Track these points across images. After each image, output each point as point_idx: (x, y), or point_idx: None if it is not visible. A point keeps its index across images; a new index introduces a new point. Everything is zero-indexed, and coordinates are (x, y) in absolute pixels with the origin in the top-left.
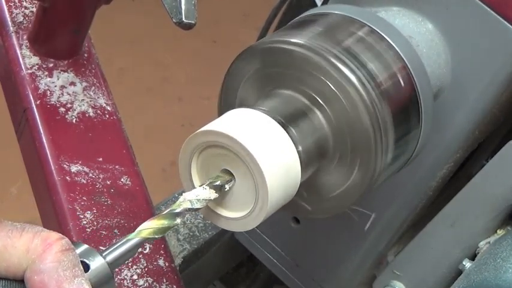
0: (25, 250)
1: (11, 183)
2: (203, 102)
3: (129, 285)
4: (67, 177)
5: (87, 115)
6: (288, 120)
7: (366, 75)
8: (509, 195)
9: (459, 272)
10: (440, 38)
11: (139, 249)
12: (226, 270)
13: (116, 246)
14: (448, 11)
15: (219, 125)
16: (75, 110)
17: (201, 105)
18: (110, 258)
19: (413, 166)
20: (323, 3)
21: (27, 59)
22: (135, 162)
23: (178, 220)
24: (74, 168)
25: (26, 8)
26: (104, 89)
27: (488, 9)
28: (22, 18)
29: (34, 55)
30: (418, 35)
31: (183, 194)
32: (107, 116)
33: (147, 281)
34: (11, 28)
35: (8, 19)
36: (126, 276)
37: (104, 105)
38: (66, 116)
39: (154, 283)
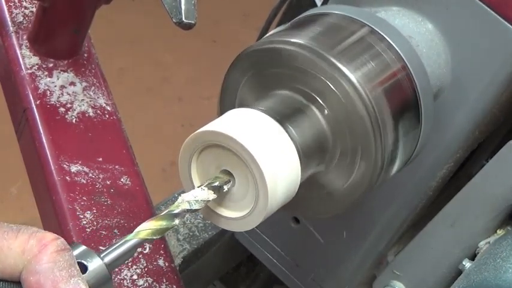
0: (21, 251)
1: (11, 183)
2: (203, 102)
3: (129, 285)
4: (67, 177)
5: (87, 115)
6: (288, 120)
7: (366, 75)
8: (509, 195)
9: (459, 272)
10: (440, 38)
11: (139, 249)
12: (226, 270)
13: (114, 247)
14: (448, 11)
15: (219, 125)
16: (75, 110)
17: (201, 105)
18: (107, 259)
19: (413, 166)
20: (323, 3)
21: (27, 59)
22: (135, 162)
23: (177, 221)
24: (73, 168)
25: (26, 8)
26: (103, 89)
27: (488, 9)
28: (22, 18)
29: (34, 55)
30: (418, 35)
31: (182, 195)
32: (107, 116)
33: (147, 281)
34: (11, 28)
35: (8, 19)
36: (126, 276)
37: (104, 105)
38: (66, 116)
39: (154, 283)
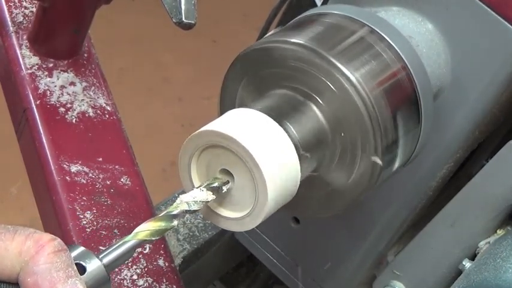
0: (18, 252)
1: (11, 183)
2: (203, 102)
3: (129, 285)
4: (67, 177)
5: (87, 115)
6: (288, 120)
7: (366, 75)
8: (509, 195)
9: (459, 272)
10: (440, 38)
11: (139, 249)
12: (226, 270)
13: (112, 248)
14: (448, 11)
15: (219, 125)
16: (75, 110)
17: (201, 105)
18: (106, 260)
19: (413, 166)
20: (323, 3)
21: (27, 59)
22: (135, 162)
23: (175, 222)
24: (73, 168)
25: (25, 8)
26: (103, 89)
27: (488, 9)
28: (22, 18)
29: (34, 55)
30: (418, 35)
31: (180, 196)
32: (107, 116)
33: (147, 281)
34: (11, 28)
35: (8, 19)
36: (126, 276)
37: (104, 105)
38: (66, 116)
39: (154, 283)
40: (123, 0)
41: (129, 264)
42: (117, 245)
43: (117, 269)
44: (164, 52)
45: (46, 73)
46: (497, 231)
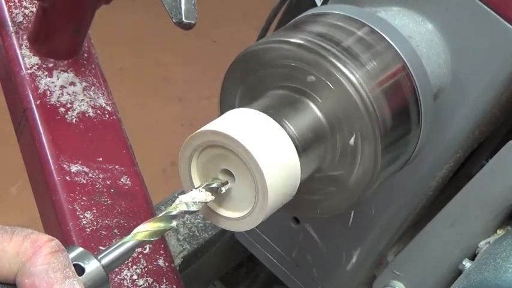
0: (15, 253)
1: (11, 183)
2: (203, 102)
3: (129, 285)
4: (67, 177)
5: (87, 115)
6: (288, 121)
7: (366, 75)
8: (509, 195)
9: (459, 272)
10: (440, 38)
11: (139, 249)
12: (226, 270)
13: (111, 249)
14: (448, 11)
15: (219, 125)
16: (75, 110)
17: (201, 105)
18: (105, 261)
19: (413, 166)
20: (323, 3)
21: (27, 59)
22: (135, 162)
23: (174, 223)
24: (73, 168)
25: (26, 8)
26: (103, 89)
27: (488, 9)
28: (22, 18)
29: (34, 55)
30: (418, 35)
31: (179, 196)
32: (107, 116)
33: (147, 281)
34: (11, 28)
35: (8, 19)
36: (126, 276)
37: (104, 105)
38: (66, 116)
39: (154, 283)
40: (123, 0)
41: (129, 264)
42: (116, 246)
43: (117, 269)
44: (164, 52)
45: (46, 73)
46: (497, 231)
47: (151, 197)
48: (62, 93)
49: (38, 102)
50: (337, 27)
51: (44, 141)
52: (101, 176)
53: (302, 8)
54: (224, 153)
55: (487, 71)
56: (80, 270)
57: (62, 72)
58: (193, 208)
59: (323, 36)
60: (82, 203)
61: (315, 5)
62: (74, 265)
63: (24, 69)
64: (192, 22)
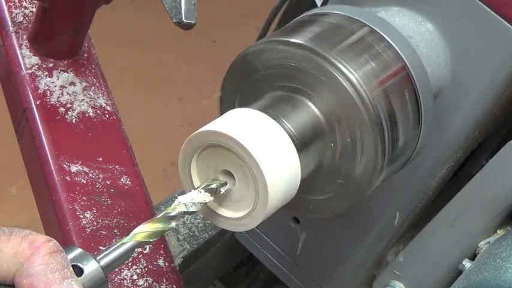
0: (13, 254)
1: (11, 183)
2: (203, 102)
3: (129, 285)
4: (67, 177)
5: (87, 115)
6: (288, 120)
7: (366, 75)
8: (509, 195)
9: (459, 272)
10: (440, 38)
11: (139, 249)
12: (226, 270)
13: (110, 250)
14: (448, 11)
15: (219, 125)
16: (75, 110)
17: (201, 105)
18: (104, 262)
19: (413, 166)
20: (323, 4)
21: (27, 59)
22: (135, 162)
23: (173, 223)
24: (73, 168)
25: (26, 8)
26: (103, 89)
27: (488, 9)
28: (22, 18)
29: (34, 55)
30: (418, 35)
31: (178, 197)
32: (107, 116)
33: (147, 281)
34: (11, 28)
35: (8, 19)
36: (126, 276)
37: (104, 105)
38: (66, 116)
39: (154, 283)
40: (123, 0)
41: (129, 264)
42: (115, 247)
43: (117, 269)
44: (164, 52)
45: (46, 73)
46: (497, 231)
47: (151, 197)
48: (62, 93)
49: (38, 102)
50: (337, 27)
51: (44, 141)
52: (101, 176)
53: (302, 8)
54: (224, 153)
55: (487, 71)
56: (78, 271)
57: (62, 72)
58: (192, 209)
59: (323, 37)
60: (82, 203)
61: (315, 5)
62: (72, 266)
63: (24, 69)
64: (192, 22)
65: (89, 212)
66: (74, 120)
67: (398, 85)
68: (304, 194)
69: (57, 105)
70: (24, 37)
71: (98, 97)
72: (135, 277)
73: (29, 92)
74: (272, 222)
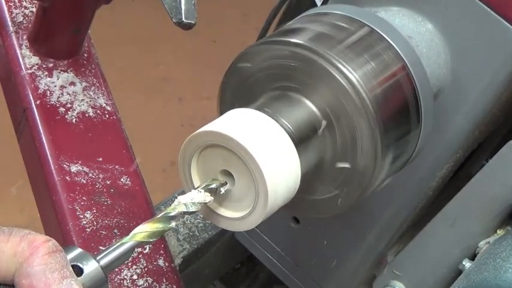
0: (12, 254)
1: (11, 183)
2: (203, 102)
3: (129, 285)
4: (67, 177)
5: (87, 115)
6: (287, 120)
7: (366, 75)
8: (509, 195)
9: (459, 272)
10: (440, 38)
11: (139, 249)
12: (226, 270)
13: (110, 250)
14: (448, 11)
15: (218, 125)
16: (75, 110)
17: (201, 105)
18: (103, 262)
19: (413, 166)
20: (323, 3)
21: (27, 59)
22: (135, 162)
23: (173, 223)
24: (73, 168)
25: (26, 8)
26: (103, 89)
27: (488, 9)
28: (22, 18)
29: (34, 55)
30: (418, 35)
31: (178, 197)
32: (107, 116)
33: (147, 281)
34: (11, 28)
35: (8, 19)
36: (126, 276)
37: (104, 105)
38: (66, 116)
39: (154, 283)
40: (123, 0)
41: (129, 264)
42: (114, 247)
43: (117, 269)
44: (164, 52)
45: (46, 73)
46: (497, 231)
47: (151, 197)
48: (62, 93)
49: (38, 102)
50: (337, 27)
51: (44, 141)
52: (101, 176)
53: (302, 8)
54: (224, 153)
55: (487, 71)
56: (78, 271)
57: (62, 72)
58: (192, 209)
59: (323, 36)
60: (82, 203)
61: (315, 5)
62: (72, 266)
63: (24, 69)
64: (192, 22)
65: (89, 212)
66: (74, 120)
67: (398, 85)
68: (304, 194)
69: (57, 105)
70: (24, 37)
71: (98, 97)
72: (135, 277)
73: (29, 92)
74: (272, 222)
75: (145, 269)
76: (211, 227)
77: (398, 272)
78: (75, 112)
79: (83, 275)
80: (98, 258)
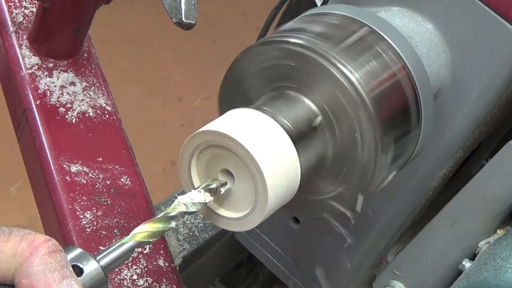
0: (12, 254)
1: (11, 183)
2: (203, 102)
3: (129, 285)
4: (67, 177)
5: (87, 115)
6: (287, 120)
7: (366, 75)
8: (509, 195)
9: (459, 272)
10: (440, 38)
11: (139, 249)
12: (226, 270)
13: (110, 250)
14: (448, 11)
15: (219, 125)
16: (75, 110)
17: (201, 105)
18: (104, 262)
19: (413, 166)
20: (323, 3)
21: (27, 59)
22: (135, 162)
23: (173, 223)
24: (73, 168)
25: (26, 8)
26: (103, 89)
27: (488, 9)
28: (22, 18)
29: (34, 55)
30: (418, 35)
31: (178, 197)
32: (107, 116)
33: (147, 281)
34: (11, 28)
35: (8, 19)
36: (126, 276)
37: (104, 105)
38: (66, 116)
39: (154, 283)
40: (123, 0)
41: (129, 264)
42: (114, 247)
43: (117, 269)
44: (164, 52)
45: (46, 73)
46: (497, 231)
47: (151, 197)
48: (62, 93)
49: (38, 102)
50: (337, 27)
51: (44, 141)
52: (101, 176)
53: (302, 8)
54: (224, 153)
55: (487, 71)
56: (78, 271)
57: (62, 72)
58: (192, 209)
59: (323, 36)
60: (82, 203)
61: (315, 5)
62: (72, 266)
63: (24, 69)
64: (192, 22)
65: (89, 212)
66: (74, 120)
67: (398, 85)
68: (304, 193)
69: (57, 105)
70: (24, 37)
71: (98, 97)
72: (135, 277)
73: (29, 92)
74: (272, 222)
75: (145, 269)
76: (211, 227)
77: (398, 272)
78: (75, 112)
79: (83, 275)
80: (98, 258)
